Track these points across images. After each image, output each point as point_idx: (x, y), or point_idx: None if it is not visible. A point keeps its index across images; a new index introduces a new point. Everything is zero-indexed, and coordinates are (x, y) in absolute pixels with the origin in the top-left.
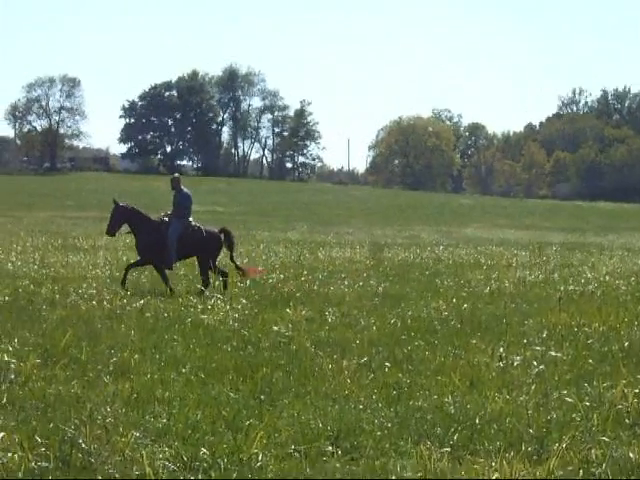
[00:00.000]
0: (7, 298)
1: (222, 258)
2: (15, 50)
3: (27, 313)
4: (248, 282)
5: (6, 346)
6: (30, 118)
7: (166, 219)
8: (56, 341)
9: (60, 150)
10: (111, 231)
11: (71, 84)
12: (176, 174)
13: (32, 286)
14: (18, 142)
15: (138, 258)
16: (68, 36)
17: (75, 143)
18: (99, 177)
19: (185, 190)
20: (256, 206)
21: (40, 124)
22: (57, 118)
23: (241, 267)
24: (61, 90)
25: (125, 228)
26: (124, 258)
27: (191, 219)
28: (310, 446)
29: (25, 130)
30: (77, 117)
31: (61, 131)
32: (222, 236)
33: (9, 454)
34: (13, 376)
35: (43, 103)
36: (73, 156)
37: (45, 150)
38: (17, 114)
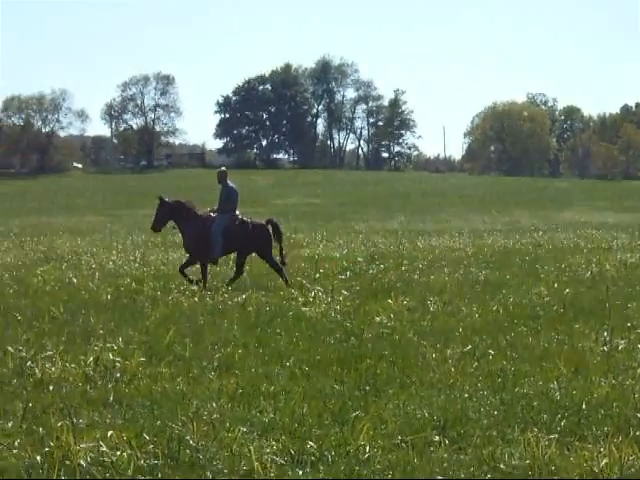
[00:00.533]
0: (110, 297)
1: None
2: (110, 49)
3: (130, 311)
4: (348, 273)
5: (111, 345)
6: (126, 117)
7: (212, 214)
8: (160, 338)
9: (156, 147)
10: (156, 226)
11: (165, 81)
12: (222, 167)
13: (134, 284)
14: (115, 141)
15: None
16: (161, 33)
17: (171, 140)
18: (196, 173)
19: (231, 184)
20: (353, 197)
21: (136, 122)
22: (152, 116)
23: (286, 262)
24: (156, 88)
25: (172, 223)
26: None
27: (237, 212)
28: (417, 436)
29: (121, 129)
30: (172, 114)
31: (157, 129)
32: (270, 228)
33: (118, 452)
34: (119, 374)
35: (138, 101)
36: (169, 153)
37: (141, 148)
38: (113, 113)
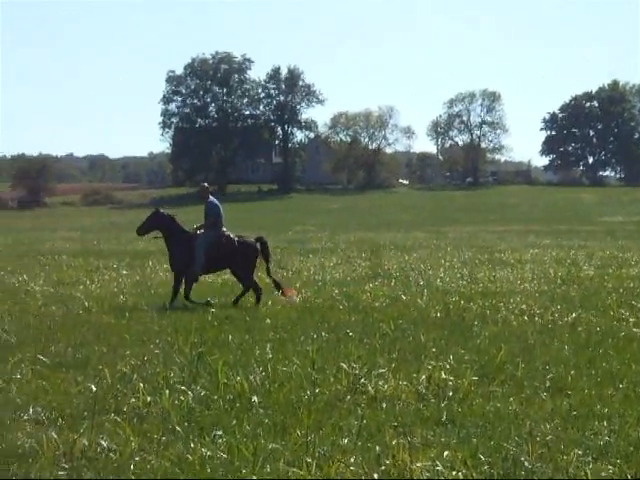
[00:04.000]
0: (439, 314)
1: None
2: (434, 66)
3: (459, 329)
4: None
5: (442, 363)
6: (452, 134)
7: (198, 232)
8: (491, 357)
9: (482, 164)
10: (140, 232)
11: (491, 98)
12: (204, 184)
13: (462, 302)
14: (440, 157)
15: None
16: (488, 50)
17: (496, 157)
18: (521, 190)
19: (212, 199)
20: None
21: (461, 139)
22: (478, 132)
23: (279, 282)
24: (482, 105)
25: (156, 233)
26: (551, 271)
27: (224, 229)
28: None
29: (447, 146)
30: (498, 131)
31: (482, 145)
32: (258, 246)
33: (454, 472)
34: (451, 393)
35: (464, 118)
36: (495, 170)
37: (467, 165)
38: (439, 130)
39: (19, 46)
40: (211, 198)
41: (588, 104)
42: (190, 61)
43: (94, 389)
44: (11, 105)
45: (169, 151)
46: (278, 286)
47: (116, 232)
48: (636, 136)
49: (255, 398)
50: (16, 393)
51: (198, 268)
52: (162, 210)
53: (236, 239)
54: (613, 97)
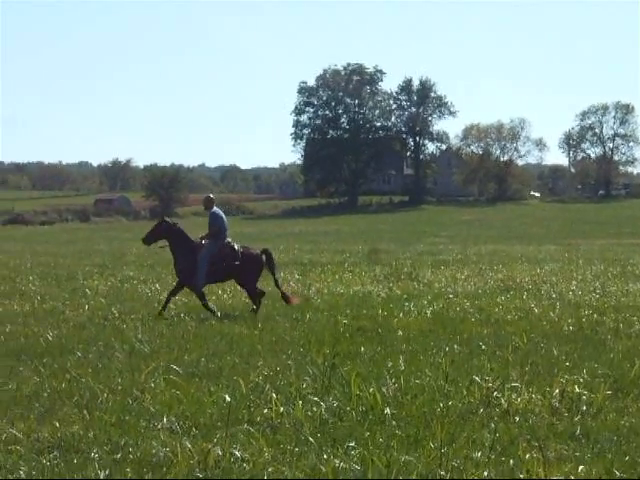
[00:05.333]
0: (571, 328)
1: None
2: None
3: (592, 343)
4: None
5: (576, 377)
6: (584, 146)
7: (203, 242)
8: (624, 371)
9: (614, 177)
10: (147, 241)
11: (625, 110)
12: (210, 194)
13: (595, 315)
14: (572, 170)
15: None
16: (621, 61)
17: (629, 169)
18: None
19: (215, 209)
20: None
21: (594, 152)
22: (611, 145)
23: (286, 294)
24: (615, 117)
25: (163, 242)
26: None
27: (229, 240)
28: None
29: (579, 158)
30: (631, 143)
31: (615, 158)
32: (264, 257)
33: None
34: (585, 407)
35: (597, 130)
36: (627, 182)
37: (599, 177)
38: (571, 142)
39: (156, 58)
40: (215, 209)
41: None
42: (322, 72)
43: (228, 399)
44: (146, 117)
45: (300, 162)
46: (286, 298)
47: (247, 243)
48: None
49: (388, 410)
50: (150, 402)
51: (201, 279)
52: (167, 219)
53: (240, 250)
54: None
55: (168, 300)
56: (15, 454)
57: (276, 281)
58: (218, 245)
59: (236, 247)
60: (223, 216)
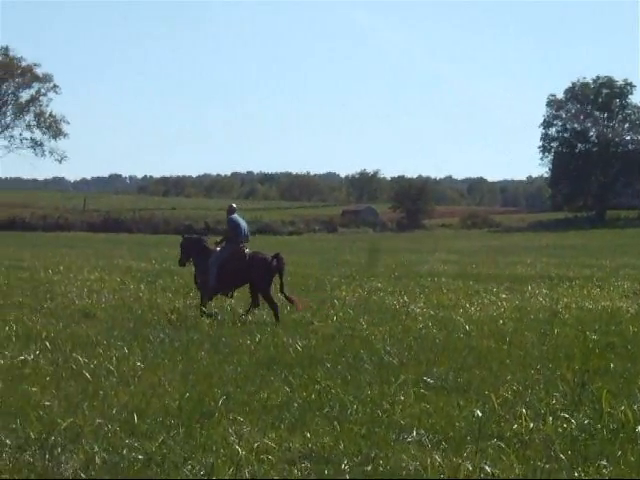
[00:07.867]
0: None
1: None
2: None
3: None
4: None
5: None
6: None
7: (218, 248)
8: None
9: None
10: (181, 263)
11: None
12: (233, 204)
13: None
14: None
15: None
16: None
17: None
18: None
19: (234, 216)
20: None
21: None
22: None
23: (290, 297)
24: None
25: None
26: None
27: (243, 245)
28: None
29: None
30: None
31: None
32: (274, 262)
33: None
34: None
35: None
36: None
37: None
38: None
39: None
40: (234, 215)
41: None
42: (570, 85)
43: (479, 414)
44: (392, 129)
45: (547, 175)
46: (290, 300)
47: (494, 256)
48: None
49: (639, 428)
50: (400, 415)
51: (212, 281)
52: (187, 235)
53: (248, 254)
54: None
55: (204, 305)
56: (267, 463)
57: (282, 286)
58: (230, 250)
59: (246, 251)
60: (241, 222)
